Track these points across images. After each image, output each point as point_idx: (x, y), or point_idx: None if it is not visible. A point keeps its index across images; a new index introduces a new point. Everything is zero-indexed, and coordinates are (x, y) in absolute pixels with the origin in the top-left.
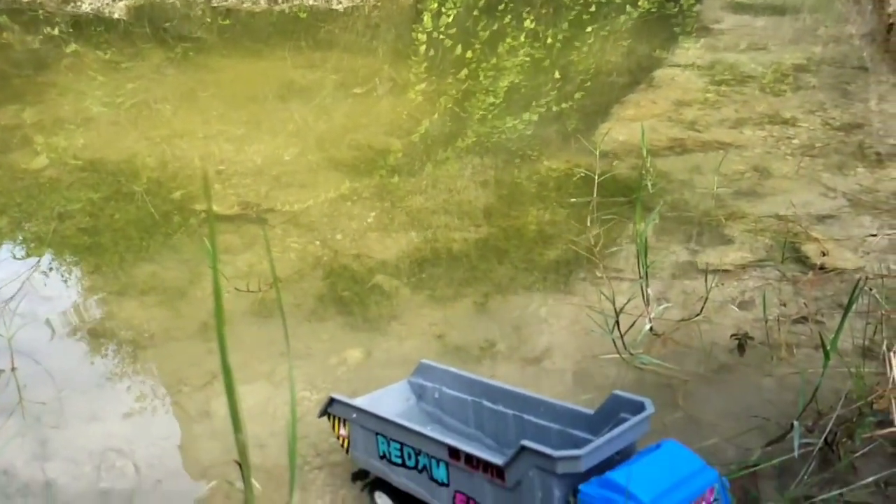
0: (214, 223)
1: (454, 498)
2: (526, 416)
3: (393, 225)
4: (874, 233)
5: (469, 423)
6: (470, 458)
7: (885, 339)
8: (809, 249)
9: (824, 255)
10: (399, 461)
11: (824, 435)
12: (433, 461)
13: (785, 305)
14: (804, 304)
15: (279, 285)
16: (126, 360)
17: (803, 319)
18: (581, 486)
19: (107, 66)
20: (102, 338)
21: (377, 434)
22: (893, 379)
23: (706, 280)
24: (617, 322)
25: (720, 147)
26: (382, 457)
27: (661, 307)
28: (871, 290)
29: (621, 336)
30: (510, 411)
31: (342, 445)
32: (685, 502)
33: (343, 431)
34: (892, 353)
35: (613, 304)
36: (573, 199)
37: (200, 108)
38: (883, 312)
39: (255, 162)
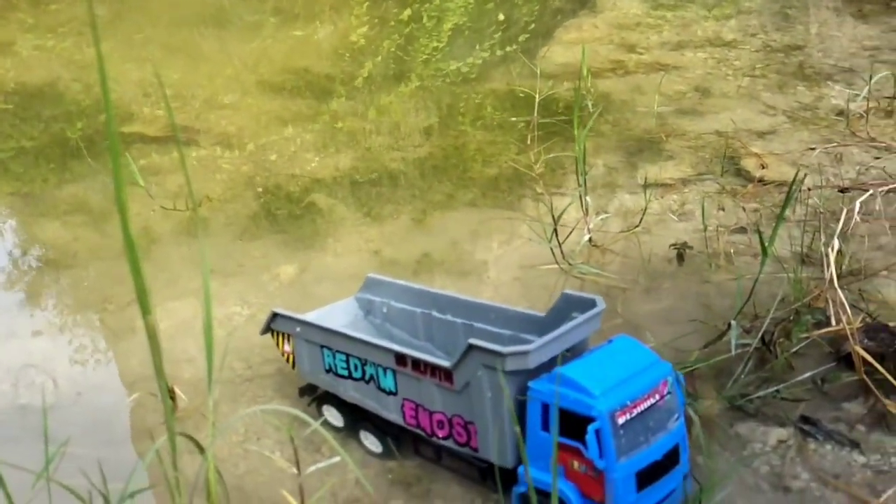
0: (117, 141)
1: (402, 406)
2: (476, 324)
3: (330, 145)
4: (813, 146)
5: (419, 335)
6: (417, 363)
7: (822, 246)
8: (749, 163)
9: (763, 168)
10: (345, 373)
11: (760, 334)
12: (380, 370)
13: (723, 212)
14: (743, 213)
15: (210, 204)
16: (48, 279)
17: (742, 229)
18: (530, 383)
19: None
20: (23, 258)
21: (322, 347)
22: (830, 277)
23: (645, 193)
24: (555, 231)
25: (661, 69)
26: (328, 370)
27: (600, 217)
28: (808, 199)
29: (559, 246)
30: (459, 320)
31: (287, 362)
32: (638, 395)
33: (287, 347)
34: (828, 250)
35: (552, 214)
36: (514, 119)
37: (127, 32)
38: (820, 212)
39: (184, 85)
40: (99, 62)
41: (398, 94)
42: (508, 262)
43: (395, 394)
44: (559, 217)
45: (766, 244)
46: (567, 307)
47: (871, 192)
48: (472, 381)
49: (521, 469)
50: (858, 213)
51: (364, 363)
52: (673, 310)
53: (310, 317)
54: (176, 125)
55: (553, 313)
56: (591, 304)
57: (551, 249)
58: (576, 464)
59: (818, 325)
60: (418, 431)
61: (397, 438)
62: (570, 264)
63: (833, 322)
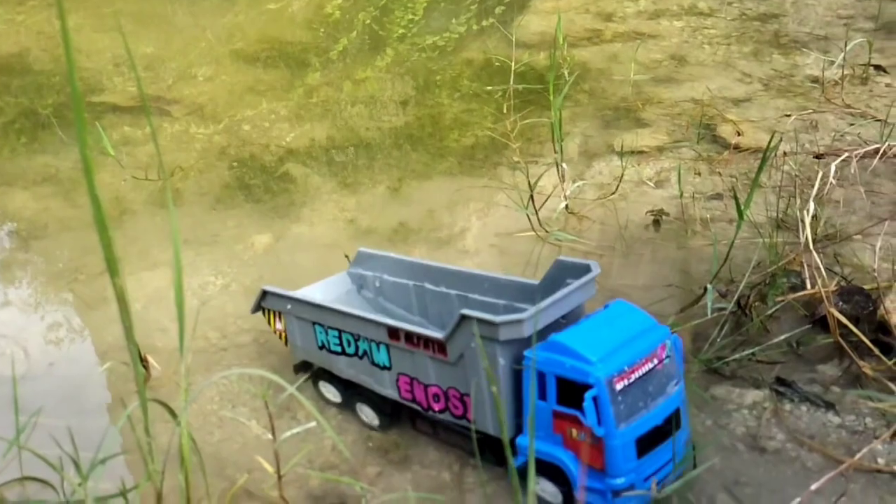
0: (81, 103)
1: (397, 381)
2: (470, 295)
3: (304, 116)
4: (788, 113)
5: (412, 308)
6: (410, 337)
7: (798, 210)
8: (725, 131)
9: (739, 135)
10: (338, 349)
11: (736, 297)
12: (373, 345)
13: (700, 178)
14: (719, 180)
15: (183, 174)
16: (18, 250)
17: (718, 196)
18: (526, 352)
19: None
20: None
21: (314, 324)
22: (805, 241)
23: (622, 160)
24: (531, 198)
25: (637, 37)
26: (322, 347)
27: (576, 184)
28: (783, 166)
29: (536, 213)
30: (453, 291)
31: (280, 339)
32: (636, 360)
33: (279, 325)
34: (804, 214)
35: (528, 181)
36: (489, 88)
37: (98, 4)
38: (795, 177)
39: (157, 57)
40: (62, 21)
41: (374, 67)
42: (485, 229)
43: (389, 368)
44: (535, 184)
45: (742, 209)
46: (561, 273)
47: (845, 156)
48: (467, 352)
49: (518, 440)
50: (833, 177)
51: (357, 339)
52: (650, 275)
53: (301, 293)
54: (145, 94)
55: (547, 280)
56: (586, 269)
57: (528, 217)
58: (574, 432)
59: (793, 288)
60: (414, 406)
61: (394, 413)
62: (546, 231)
63: (808, 285)
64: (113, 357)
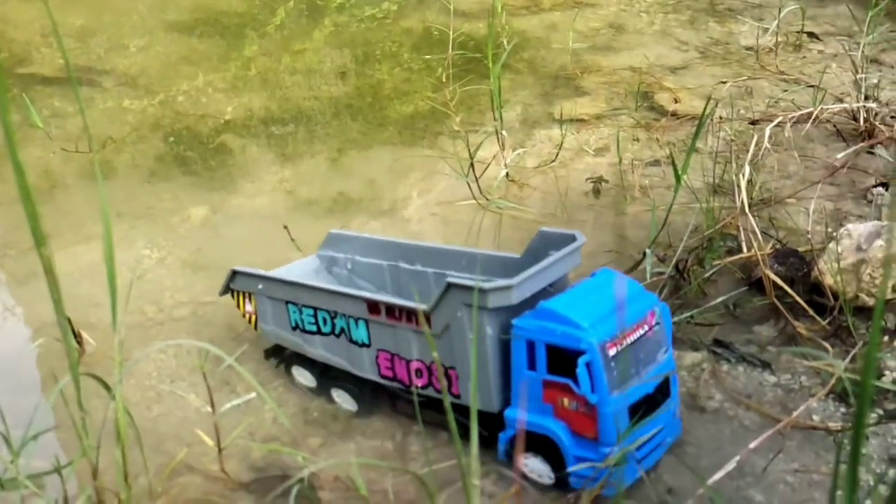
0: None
1: (377, 359)
2: (448, 272)
3: (241, 87)
4: (724, 80)
5: (387, 289)
6: (392, 310)
7: (733, 175)
8: (662, 98)
9: (676, 102)
10: (314, 328)
11: (674, 261)
12: (351, 321)
13: (638, 145)
14: (657, 147)
15: (115, 146)
16: None
17: (656, 162)
18: (514, 321)
19: None
20: None
21: (287, 303)
22: (741, 205)
23: (561, 128)
24: (472, 166)
25: (576, 6)
26: (295, 327)
27: (516, 153)
28: (720, 132)
29: (476, 181)
30: (430, 269)
31: (249, 323)
32: (626, 326)
33: (249, 307)
34: (739, 177)
35: (468, 149)
36: (429, 57)
37: None
38: (731, 142)
39: (88, 29)
40: None
41: (312, 38)
42: (426, 198)
43: (368, 346)
44: (475, 152)
45: (678, 174)
46: (544, 245)
47: (778, 120)
48: (452, 322)
49: (507, 413)
50: (768, 141)
51: (333, 316)
52: (590, 241)
53: (271, 273)
54: (72, 64)
55: (529, 253)
56: (570, 238)
57: (468, 185)
58: (566, 401)
59: (730, 251)
60: (394, 385)
61: (372, 397)
62: (487, 199)
63: (744, 249)
64: (45, 332)
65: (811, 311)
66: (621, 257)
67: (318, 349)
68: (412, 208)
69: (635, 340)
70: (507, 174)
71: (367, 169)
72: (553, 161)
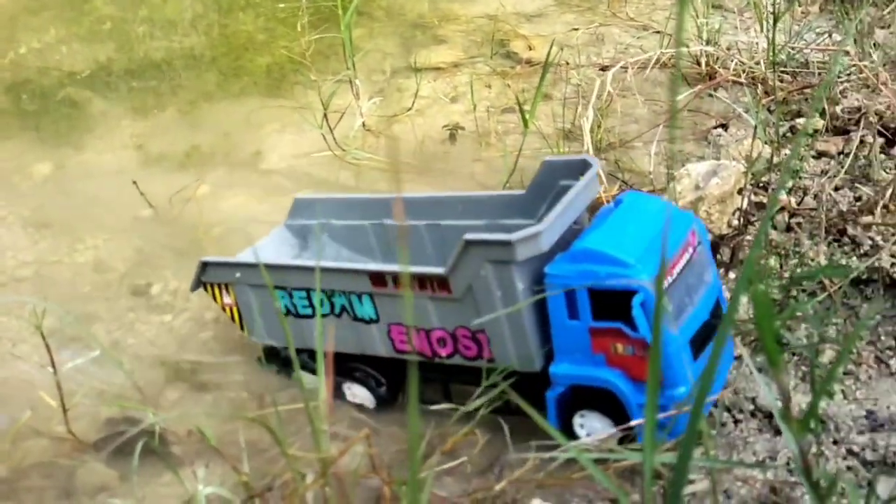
0: None
1: (389, 333)
2: (443, 222)
3: (86, 37)
4: (576, 27)
5: (374, 252)
6: (400, 279)
7: (584, 121)
8: (517, 46)
9: (531, 49)
10: (309, 312)
11: None
12: (353, 298)
13: (493, 92)
14: (512, 94)
15: None
16: None
17: (511, 109)
18: (547, 269)
19: None
20: None
21: (274, 288)
22: (587, 149)
23: (416, 76)
24: (325, 117)
25: None
26: (287, 313)
27: (372, 101)
28: (571, 79)
29: (331, 131)
30: (421, 222)
31: (231, 317)
32: (672, 252)
33: (228, 300)
34: (583, 122)
35: (321, 100)
36: (282, 5)
37: None
38: (579, 87)
39: None
40: None
41: None
42: (282, 150)
43: (376, 321)
44: (328, 102)
45: (526, 119)
46: (551, 176)
47: (621, 64)
48: (476, 283)
49: (552, 369)
50: (617, 86)
51: (330, 295)
52: (447, 188)
53: (243, 258)
54: None
55: (535, 187)
56: (581, 165)
57: (323, 136)
58: (619, 347)
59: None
60: (413, 358)
61: (391, 386)
62: (343, 150)
63: None
64: None
65: None
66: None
67: (316, 335)
68: (268, 160)
69: (684, 266)
70: (364, 124)
71: (221, 121)
72: (409, 109)
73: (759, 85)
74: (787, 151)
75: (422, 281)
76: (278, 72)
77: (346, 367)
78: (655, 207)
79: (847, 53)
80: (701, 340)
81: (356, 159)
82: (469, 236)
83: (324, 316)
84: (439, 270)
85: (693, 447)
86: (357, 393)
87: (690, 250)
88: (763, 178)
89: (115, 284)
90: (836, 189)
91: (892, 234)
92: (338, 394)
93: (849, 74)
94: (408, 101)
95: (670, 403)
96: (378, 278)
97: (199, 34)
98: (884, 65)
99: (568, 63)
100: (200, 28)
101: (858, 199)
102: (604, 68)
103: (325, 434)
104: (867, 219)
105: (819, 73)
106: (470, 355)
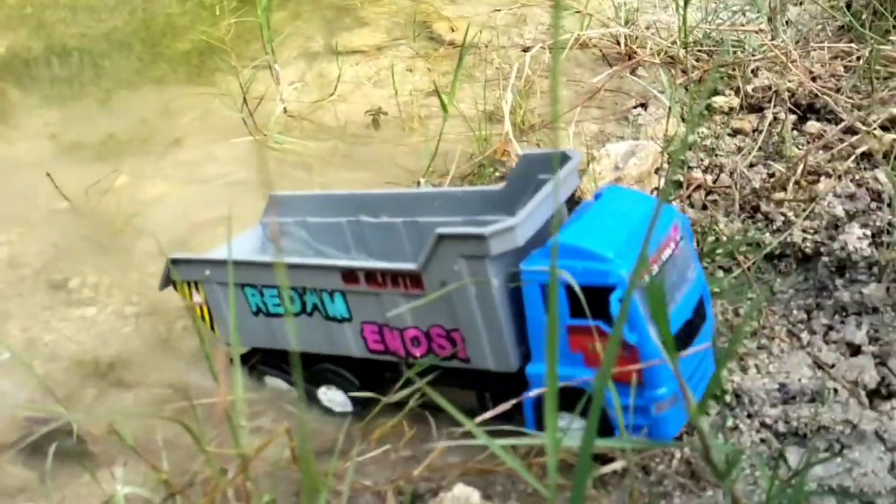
0: None
1: (362, 332)
2: (420, 219)
3: (3, 22)
4: (498, 9)
5: (350, 249)
6: (372, 275)
7: (506, 103)
8: (440, 28)
9: (454, 31)
10: (280, 311)
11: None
12: (325, 295)
13: (415, 75)
14: (435, 77)
15: None
16: None
17: (434, 92)
18: (522, 265)
19: None
20: None
21: (244, 286)
22: (507, 131)
23: (338, 60)
24: (245, 101)
25: None
26: (258, 312)
27: (294, 86)
28: (493, 61)
29: (251, 116)
30: (398, 219)
31: (202, 317)
32: (653, 248)
33: (198, 297)
34: (503, 103)
35: (240, 85)
36: None
37: None
38: (498, 68)
39: None
40: None
41: None
42: (202, 137)
43: (349, 320)
44: (247, 87)
45: (445, 103)
46: (529, 170)
47: (540, 45)
48: (449, 278)
49: (528, 369)
50: (539, 67)
51: (302, 293)
52: (370, 172)
53: (216, 255)
54: None
55: (513, 182)
56: (562, 158)
57: (244, 121)
58: (597, 346)
59: (502, 177)
60: (387, 358)
61: (367, 387)
62: (265, 135)
63: None
64: None
65: None
66: (397, 186)
67: (287, 334)
68: (187, 148)
69: (664, 262)
70: (285, 109)
71: (138, 108)
72: (332, 94)
73: (678, 64)
74: (704, 130)
75: (394, 277)
76: (198, 57)
77: (320, 369)
78: (636, 201)
79: (760, 31)
80: (683, 340)
81: (278, 143)
82: (442, 230)
83: (295, 315)
84: (412, 266)
85: (595, 433)
86: (333, 398)
87: (672, 245)
88: (679, 157)
89: (31, 280)
90: (751, 166)
91: (804, 210)
92: (312, 401)
93: (763, 52)
94: (330, 87)
95: (651, 404)
96: (350, 275)
97: (115, 19)
98: (796, 42)
99: (487, 46)
100: (123, 13)
101: (772, 175)
102: (525, 49)
103: (244, 430)
104: (780, 195)
105: (734, 52)
106: (444, 355)
